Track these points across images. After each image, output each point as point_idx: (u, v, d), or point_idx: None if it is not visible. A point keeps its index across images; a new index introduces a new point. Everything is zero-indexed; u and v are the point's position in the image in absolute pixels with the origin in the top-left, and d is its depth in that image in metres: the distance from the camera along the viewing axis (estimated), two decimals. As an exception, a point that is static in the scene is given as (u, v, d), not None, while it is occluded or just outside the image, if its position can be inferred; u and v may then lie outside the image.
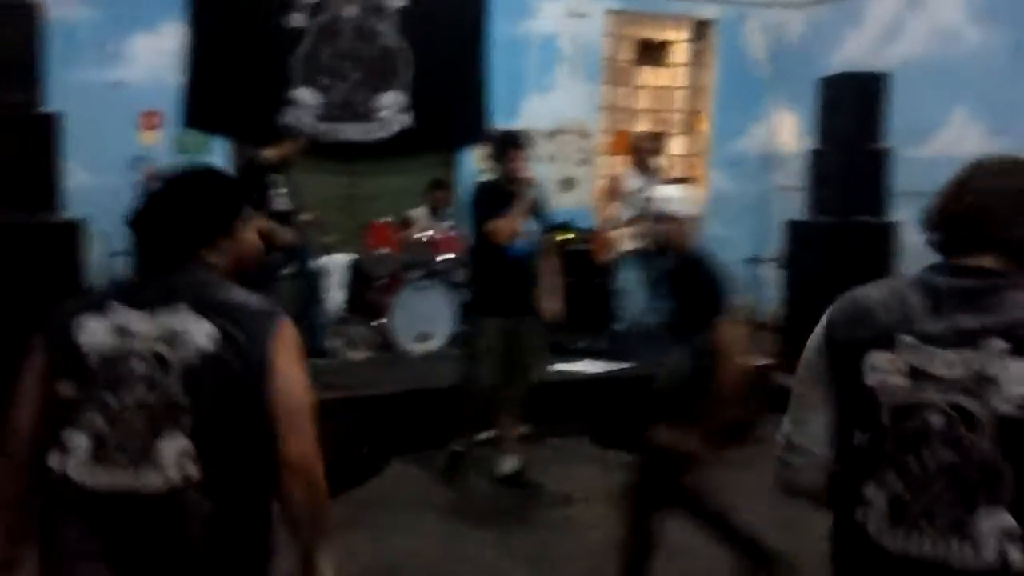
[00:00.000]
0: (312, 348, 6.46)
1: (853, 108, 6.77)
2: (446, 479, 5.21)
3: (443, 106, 8.59)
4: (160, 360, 1.80)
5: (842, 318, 1.82)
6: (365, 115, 8.45)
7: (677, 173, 10.18)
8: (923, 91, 7.77)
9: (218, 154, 8.09)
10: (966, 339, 1.62)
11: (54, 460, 1.81)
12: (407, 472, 5.35)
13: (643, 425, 5.79)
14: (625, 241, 7.21)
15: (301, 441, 1.84)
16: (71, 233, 4.75)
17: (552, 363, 6.60)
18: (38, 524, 1.87)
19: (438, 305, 6.83)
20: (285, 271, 6.21)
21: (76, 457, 1.79)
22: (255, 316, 1.86)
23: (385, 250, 7.18)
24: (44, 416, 1.86)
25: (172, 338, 1.81)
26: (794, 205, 7.54)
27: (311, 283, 6.49)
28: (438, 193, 7.72)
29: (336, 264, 7.38)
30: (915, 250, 7.12)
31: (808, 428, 1.83)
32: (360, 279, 7.39)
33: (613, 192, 7.41)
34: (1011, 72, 7.63)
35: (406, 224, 7.40)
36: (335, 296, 7.37)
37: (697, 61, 10.29)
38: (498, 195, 4.99)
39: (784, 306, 7.26)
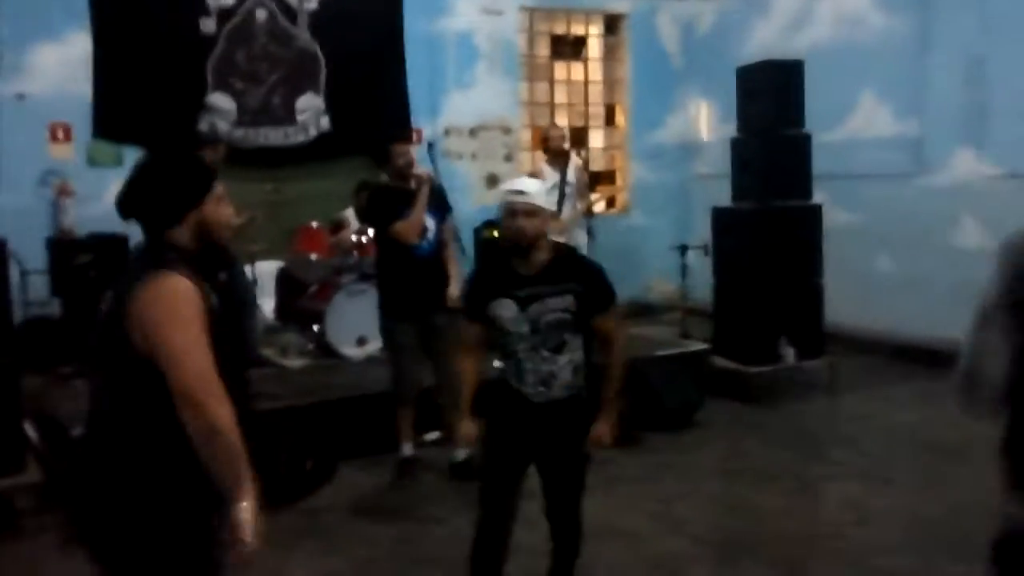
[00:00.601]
0: (247, 358, 6.33)
1: (771, 95, 6.91)
2: (398, 487, 5.15)
3: (363, 107, 8.50)
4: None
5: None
6: (284, 119, 8.31)
7: (596, 166, 10.29)
8: (832, 77, 8.00)
9: (132, 164, 7.84)
10: None
11: None
12: (356, 479, 5.27)
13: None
14: (552, 234, 7.22)
15: (181, 374, 2.09)
16: (-6, 253, 4.54)
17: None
18: None
19: (374, 308, 6.73)
20: (216, 279, 6.04)
21: None
22: (134, 277, 2.22)
23: (314, 255, 7.06)
24: None
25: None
26: (714, 192, 7.69)
27: (243, 292, 6.34)
28: (363, 197, 7.61)
29: (264, 271, 7.23)
30: (837, 230, 7.42)
31: (987, 362, 1.99)
32: (290, 286, 7.25)
33: None
34: (915, 55, 7.92)
35: (337, 227, 7.29)
36: (265, 304, 7.23)
37: (611, 55, 10.42)
38: (393, 196, 5.09)
39: (713, 291, 7.39)
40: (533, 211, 3.19)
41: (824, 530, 4.55)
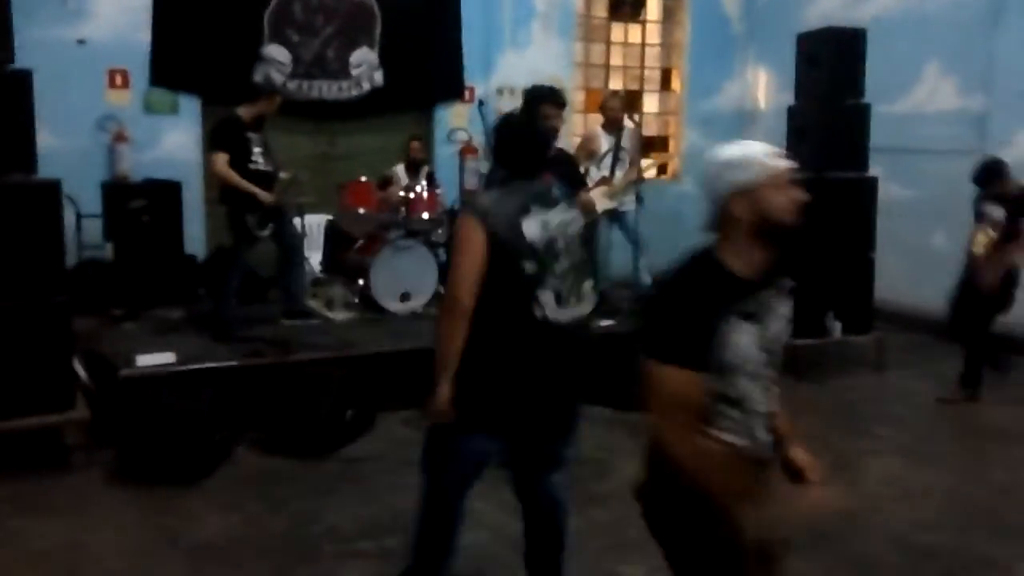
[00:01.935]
0: (293, 309, 6.41)
1: (831, 64, 6.75)
2: None
3: (417, 63, 8.47)
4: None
5: None
6: (338, 73, 8.31)
7: (649, 131, 10.17)
8: (896, 47, 7.81)
9: (187, 113, 7.94)
10: None
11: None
12: (394, 431, 5.33)
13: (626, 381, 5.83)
14: (601, 200, 7.18)
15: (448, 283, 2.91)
16: (50, 195, 4.60)
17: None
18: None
19: (419, 265, 6.77)
20: (265, 232, 6.12)
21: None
22: None
23: (362, 210, 7.09)
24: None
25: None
26: (769, 162, 7.55)
27: (291, 244, 6.39)
28: (415, 147, 7.61)
29: (313, 224, 7.28)
30: (892, 205, 7.26)
31: None
32: (337, 240, 7.30)
33: (584, 151, 7.37)
34: (983, 27, 7.68)
35: (385, 183, 7.31)
36: (313, 257, 7.29)
37: (670, 18, 10.24)
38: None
39: (762, 262, 7.30)
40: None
41: (863, 504, 4.50)
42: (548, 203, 2.98)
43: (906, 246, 7.74)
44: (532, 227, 2.88)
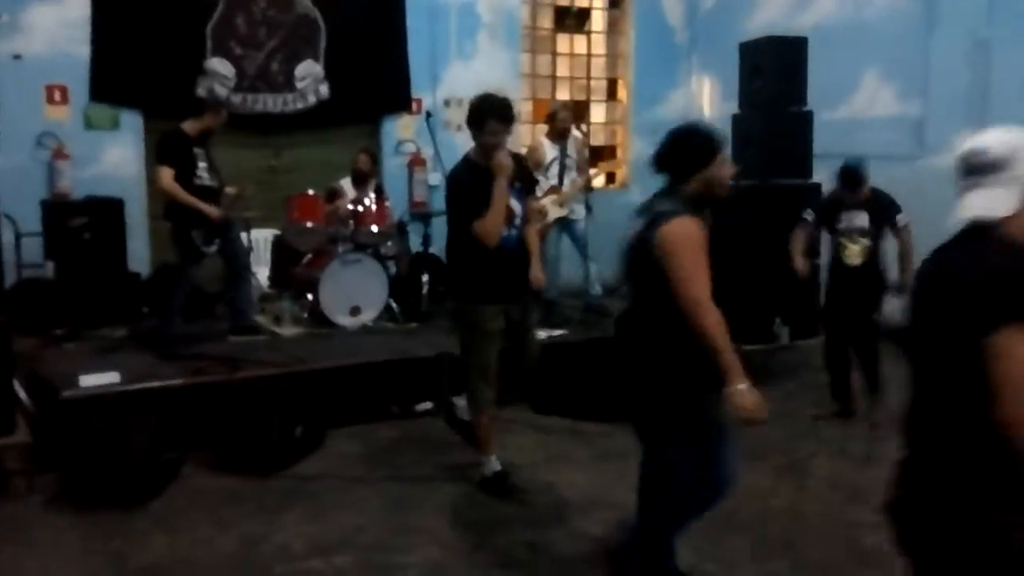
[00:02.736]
0: (241, 326, 6.33)
1: (773, 72, 6.86)
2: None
3: (363, 75, 8.44)
4: None
5: None
6: (283, 86, 8.25)
7: (596, 140, 10.23)
8: (836, 55, 7.94)
9: (129, 128, 7.81)
10: None
11: None
12: (346, 447, 5.28)
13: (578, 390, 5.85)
14: (551, 210, 7.21)
15: (682, 292, 2.97)
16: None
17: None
18: None
19: (368, 278, 6.73)
20: (211, 248, 6.04)
21: None
22: (659, 215, 3.05)
23: (310, 223, 7.03)
24: None
25: None
26: (716, 170, 7.64)
27: (238, 260, 6.32)
28: (362, 159, 7.57)
29: (260, 239, 7.21)
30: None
31: None
32: (284, 254, 7.22)
33: (531, 161, 7.38)
34: (920, 34, 7.84)
35: (332, 196, 7.25)
36: (260, 272, 7.21)
37: (615, 28, 10.33)
38: (474, 177, 4.40)
39: (710, 270, 7.36)
40: None
41: (811, 507, 4.55)
42: None
43: (850, 251, 7.85)
44: None
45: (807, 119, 6.93)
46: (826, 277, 5.95)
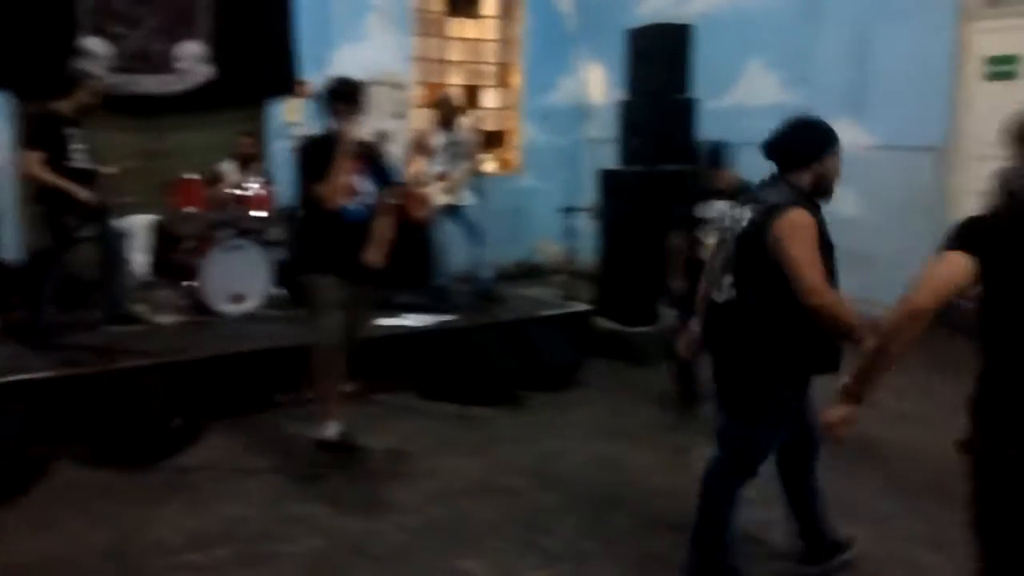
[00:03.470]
0: (117, 315, 6.10)
1: (660, 59, 6.95)
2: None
3: (247, 56, 8.21)
4: None
5: None
6: (162, 66, 7.96)
7: (488, 126, 10.23)
8: (721, 43, 8.10)
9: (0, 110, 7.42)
10: None
11: None
12: (227, 438, 5.14)
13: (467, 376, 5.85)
14: (439, 196, 7.17)
15: (800, 279, 3.02)
16: None
17: (375, 319, 6.51)
18: None
19: (251, 265, 6.56)
20: (86, 234, 5.79)
21: None
22: (773, 206, 3.14)
23: (192, 209, 6.82)
24: None
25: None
26: (604, 156, 7.73)
27: (114, 246, 6.07)
28: (246, 143, 7.37)
29: (138, 225, 6.95)
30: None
31: None
32: (165, 240, 7.00)
33: (419, 147, 7.34)
34: (802, 23, 8.08)
35: (214, 180, 7.04)
36: (138, 259, 6.95)
37: (507, 14, 10.32)
38: (324, 148, 4.61)
39: (599, 254, 7.45)
40: None
41: (690, 486, 4.64)
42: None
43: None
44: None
45: (692, 106, 7.05)
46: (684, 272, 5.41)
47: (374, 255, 4.80)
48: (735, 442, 3.41)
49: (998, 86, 6.87)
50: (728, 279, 3.27)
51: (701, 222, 5.38)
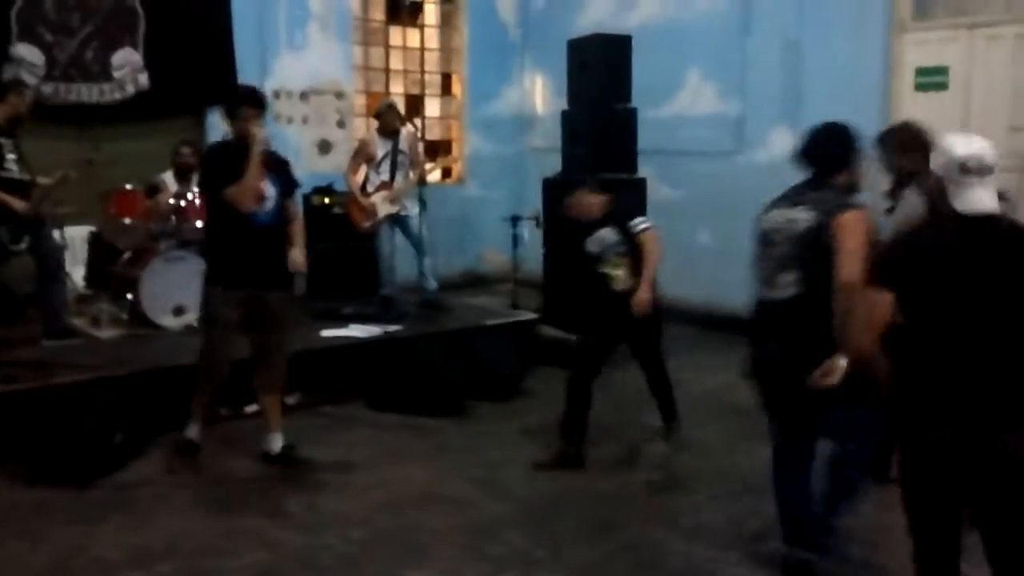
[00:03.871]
0: (54, 329, 5.97)
1: (601, 69, 7.04)
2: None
3: (185, 64, 8.11)
4: None
5: None
6: (98, 75, 7.83)
7: (432, 135, 10.23)
8: (660, 54, 8.22)
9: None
10: None
11: None
12: (168, 452, 5.06)
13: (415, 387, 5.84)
14: (382, 206, 7.15)
15: (843, 269, 3.29)
16: None
17: (320, 329, 6.47)
18: None
19: (192, 276, 6.41)
20: (21, 246, 5.66)
21: None
22: (832, 205, 3.41)
23: (129, 220, 6.70)
24: None
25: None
26: (548, 164, 7.78)
27: (51, 258, 5.94)
28: (185, 152, 7.27)
29: (74, 236, 6.80)
30: (661, 204, 7.64)
31: None
32: (102, 252, 6.85)
33: (362, 156, 7.31)
34: (737, 35, 8.22)
35: (153, 190, 6.92)
36: (75, 272, 6.82)
37: (448, 23, 10.34)
38: (231, 155, 4.61)
39: (544, 262, 7.49)
40: None
41: (636, 491, 4.71)
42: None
43: (675, 243, 8.13)
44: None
45: (632, 115, 7.14)
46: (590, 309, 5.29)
47: (296, 259, 4.84)
48: (855, 424, 3.59)
49: (930, 96, 7.05)
50: (788, 277, 3.48)
51: (597, 257, 5.17)
